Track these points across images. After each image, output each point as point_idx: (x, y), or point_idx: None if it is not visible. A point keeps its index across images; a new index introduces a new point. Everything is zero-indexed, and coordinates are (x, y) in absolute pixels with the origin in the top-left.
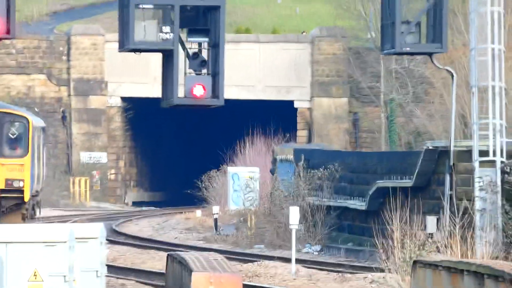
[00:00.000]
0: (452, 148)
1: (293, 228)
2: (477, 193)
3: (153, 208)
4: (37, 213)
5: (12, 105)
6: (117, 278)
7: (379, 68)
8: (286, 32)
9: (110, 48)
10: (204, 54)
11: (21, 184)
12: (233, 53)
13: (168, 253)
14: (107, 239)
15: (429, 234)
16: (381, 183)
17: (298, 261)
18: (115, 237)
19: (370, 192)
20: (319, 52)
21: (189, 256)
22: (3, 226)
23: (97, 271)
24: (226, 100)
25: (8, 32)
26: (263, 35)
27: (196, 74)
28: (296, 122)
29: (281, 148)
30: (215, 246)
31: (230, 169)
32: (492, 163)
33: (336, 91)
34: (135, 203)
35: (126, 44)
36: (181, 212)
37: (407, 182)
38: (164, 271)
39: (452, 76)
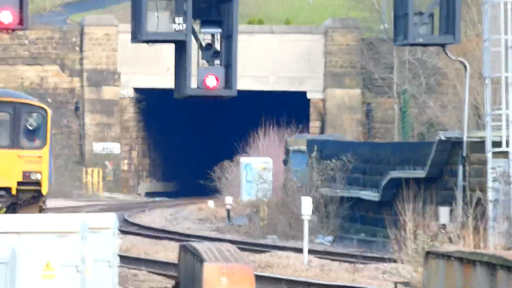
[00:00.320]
0: (465, 139)
1: (306, 219)
2: (490, 184)
3: (165, 198)
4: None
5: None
6: (130, 268)
7: (392, 59)
8: (299, 23)
9: (123, 39)
10: (217, 45)
11: (39, 176)
12: (246, 44)
13: (180, 243)
14: (119, 230)
15: (442, 225)
16: (394, 173)
17: (310, 251)
18: (128, 228)
19: (383, 183)
20: (332, 43)
21: (201, 247)
22: (15, 216)
23: (109, 261)
24: (239, 91)
25: (21, 23)
26: (276, 26)
27: (209, 65)
28: (309, 113)
29: (294, 139)
30: (227, 237)
31: (243, 160)
32: (505, 154)
33: (349, 82)
34: (148, 194)
35: (139, 35)
36: (194, 203)
37: (420, 173)
38: (176, 261)
39: (465, 67)
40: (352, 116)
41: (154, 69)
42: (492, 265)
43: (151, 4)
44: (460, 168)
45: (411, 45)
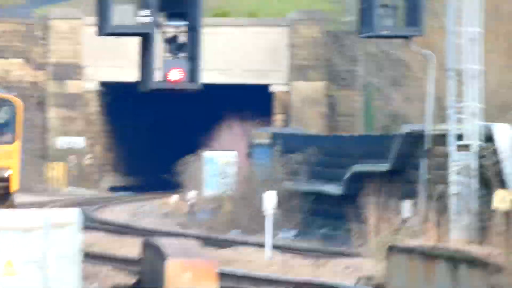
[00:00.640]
0: (427, 132)
1: (268, 213)
2: (452, 177)
3: (129, 193)
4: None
5: None
6: (92, 264)
7: (356, 51)
8: (265, 16)
9: (89, 32)
10: (182, 38)
11: (9, 172)
12: (210, 37)
13: (143, 239)
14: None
15: (405, 218)
16: (358, 167)
17: (274, 246)
18: (90, 223)
19: (346, 177)
20: (297, 36)
21: (163, 242)
22: None
23: (72, 257)
24: (204, 85)
25: None
26: (241, 18)
27: (174, 58)
28: (273, 106)
29: (257, 132)
30: (190, 232)
31: (206, 154)
32: (468, 147)
33: (313, 75)
34: (111, 188)
35: (104, 28)
36: (158, 198)
37: (384, 166)
38: (139, 257)
39: (429, 59)
40: (316, 109)
41: (120, 62)
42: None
43: None
44: (423, 161)
45: (376, 37)
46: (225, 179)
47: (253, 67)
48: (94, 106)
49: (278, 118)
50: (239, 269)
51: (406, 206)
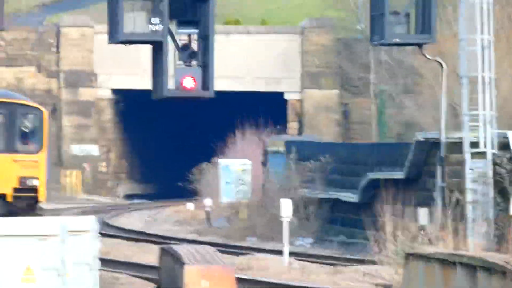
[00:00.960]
0: (442, 140)
1: (285, 221)
2: (468, 185)
3: (144, 200)
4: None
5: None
6: (110, 271)
7: (368, 59)
8: (276, 23)
9: (100, 40)
10: (194, 45)
11: (35, 182)
12: (222, 45)
13: (161, 246)
14: (99, 232)
15: (421, 226)
16: (373, 175)
17: (290, 253)
18: (107, 230)
19: (362, 184)
20: (309, 43)
21: (181, 249)
22: None
23: (90, 264)
24: (216, 92)
25: None
26: (253, 26)
27: (186, 65)
28: (286, 113)
29: (272, 140)
30: (207, 239)
31: (222, 162)
32: (483, 154)
33: (326, 82)
34: (127, 196)
35: (115, 36)
36: (173, 205)
37: (399, 174)
38: (156, 264)
39: (442, 66)
40: (330, 117)
41: (132, 70)
42: (472, 266)
43: (127, 4)
44: (439, 169)
45: (388, 45)
46: (241, 187)
47: (265, 74)
48: (107, 114)
49: (291, 126)
50: (257, 276)
51: (423, 214)
